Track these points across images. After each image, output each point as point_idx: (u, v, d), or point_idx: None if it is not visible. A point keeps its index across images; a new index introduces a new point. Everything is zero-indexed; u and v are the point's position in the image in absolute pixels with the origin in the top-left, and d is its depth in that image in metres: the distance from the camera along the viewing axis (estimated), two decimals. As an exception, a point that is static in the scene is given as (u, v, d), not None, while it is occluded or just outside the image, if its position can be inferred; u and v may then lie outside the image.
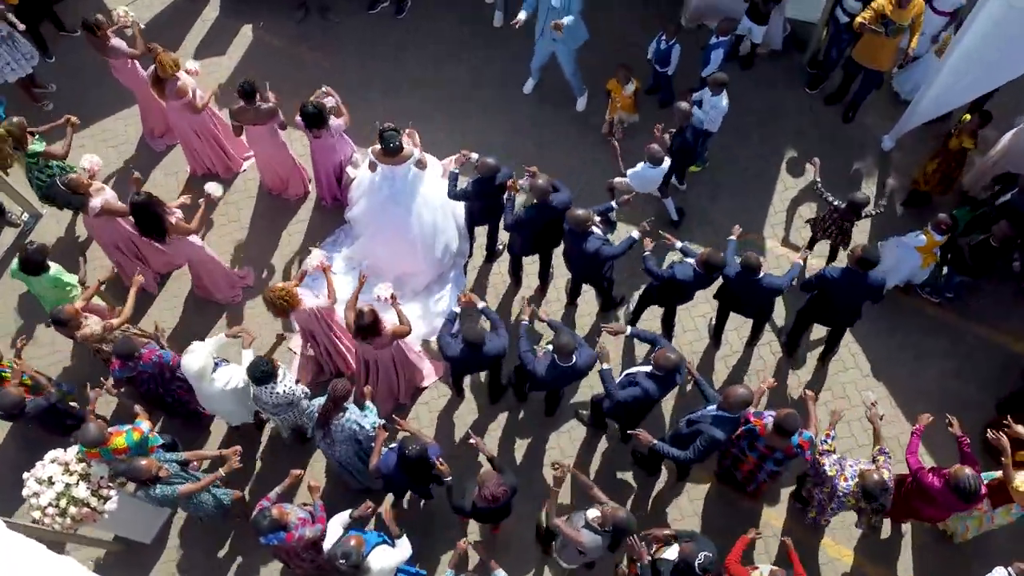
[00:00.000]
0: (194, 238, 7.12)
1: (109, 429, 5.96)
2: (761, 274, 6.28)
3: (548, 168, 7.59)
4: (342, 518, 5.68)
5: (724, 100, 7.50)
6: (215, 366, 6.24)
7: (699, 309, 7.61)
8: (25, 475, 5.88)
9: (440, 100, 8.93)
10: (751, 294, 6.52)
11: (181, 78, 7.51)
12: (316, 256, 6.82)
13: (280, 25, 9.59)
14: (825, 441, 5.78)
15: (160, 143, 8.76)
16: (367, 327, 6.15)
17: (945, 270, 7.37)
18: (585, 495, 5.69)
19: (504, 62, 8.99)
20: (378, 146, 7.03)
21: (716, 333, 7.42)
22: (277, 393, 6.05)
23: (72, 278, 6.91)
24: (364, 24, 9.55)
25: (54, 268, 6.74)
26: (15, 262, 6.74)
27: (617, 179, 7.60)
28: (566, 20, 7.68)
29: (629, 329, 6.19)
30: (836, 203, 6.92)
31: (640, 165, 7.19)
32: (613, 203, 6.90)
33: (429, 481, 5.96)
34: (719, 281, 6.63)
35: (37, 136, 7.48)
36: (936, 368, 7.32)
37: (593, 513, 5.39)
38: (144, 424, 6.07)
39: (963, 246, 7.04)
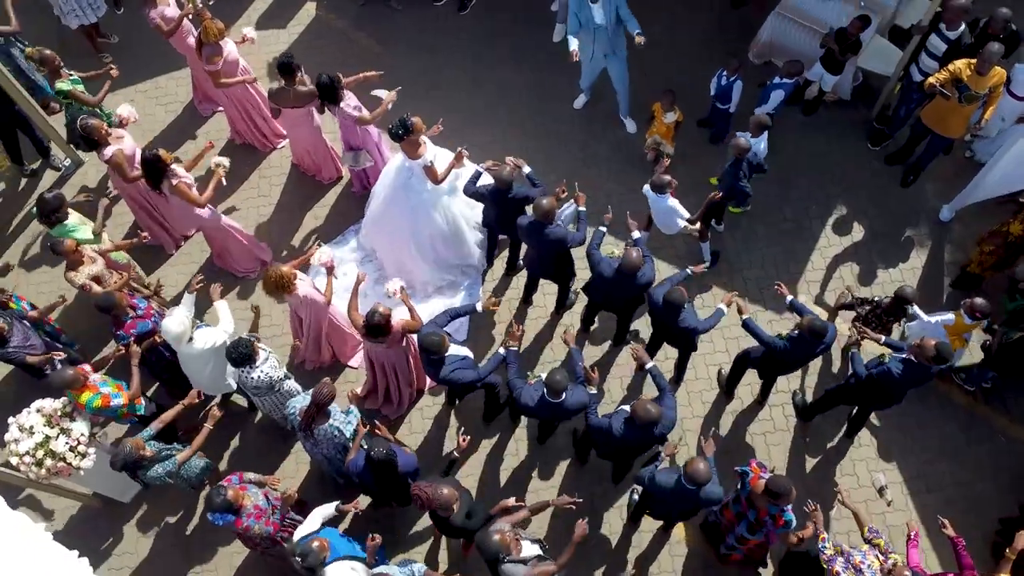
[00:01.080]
0: (207, 209, 7.09)
1: (92, 379, 6.02)
2: (682, 314, 6.04)
3: (585, 187, 7.38)
4: (326, 510, 5.56)
5: (763, 144, 7.18)
6: (196, 326, 6.21)
7: (715, 358, 7.31)
8: (10, 419, 5.95)
9: (488, 102, 8.78)
10: (674, 329, 6.24)
11: (224, 47, 7.51)
12: (325, 254, 6.70)
13: (343, 6, 9.56)
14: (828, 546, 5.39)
15: (207, 107, 8.81)
16: (376, 327, 6.03)
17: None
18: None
19: (561, 72, 8.75)
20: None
21: (729, 386, 7.10)
22: (254, 377, 5.99)
23: (87, 231, 6.93)
24: (425, 17, 9.44)
25: (72, 219, 6.79)
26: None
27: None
28: (638, 32, 7.41)
29: (650, 363, 5.94)
30: (879, 299, 6.52)
31: (645, 187, 6.95)
32: (603, 228, 6.62)
33: (397, 488, 5.81)
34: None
35: (73, 77, 7.53)
36: (956, 460, 6.85)
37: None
38: (117, 398, 6.07)
39: (996, 337, 6.56)
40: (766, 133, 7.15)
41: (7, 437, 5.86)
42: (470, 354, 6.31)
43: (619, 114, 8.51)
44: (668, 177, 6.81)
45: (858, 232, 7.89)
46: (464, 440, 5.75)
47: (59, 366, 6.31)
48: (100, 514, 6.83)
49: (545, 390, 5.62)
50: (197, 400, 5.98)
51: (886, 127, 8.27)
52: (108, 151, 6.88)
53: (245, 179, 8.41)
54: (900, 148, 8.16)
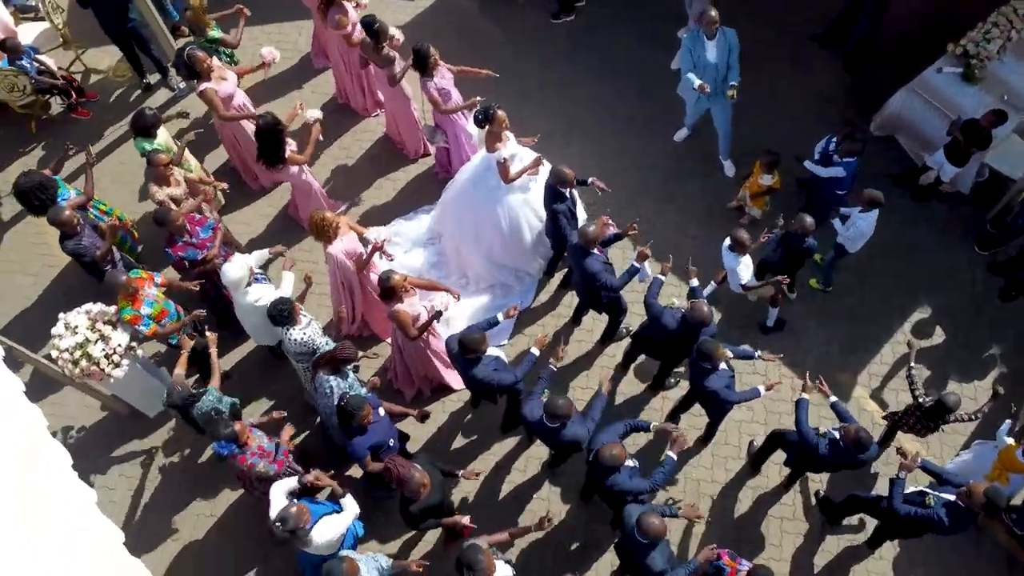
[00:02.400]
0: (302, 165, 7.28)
1: (144, 292, 6.30)
2: (709, 377, 5.81)
3: (662, 223, 7.20)
4: (287, 484, 5.61)
5: (871, 221, 6.74)
6: (255, 280, 6.36)
7: (751, 428, 6.99)
8: (61, 315, 6.28)
9: (584, 116, 8.65)
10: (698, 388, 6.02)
11: (348, 9, 7.63)
12: (382, 233, 6.76)
13: (473, -10, 9.60)
14: None
15: (321, 61, 9.02)
16: (384, 290, 6.10)
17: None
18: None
19: (666, 101, 8.54)
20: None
21: (757, 460, 6.78)
22: (292, 339, 6.08)
23: (168, 148, 7.17)
24: (547, 21, 9.36)
25: (161, 137, 7.06)
26: (133, 124, 7.15)
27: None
28: (733, 83, 7.23)
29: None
30: (922, 399, 6.05)
31: (726, 242, 6.66)
32: (661, 277, 6.39)
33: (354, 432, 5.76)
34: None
35: (215, 23, 7.84)
36: (982, 605, 6.33)
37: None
38: (146, 326, 6.30)
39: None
40: (876, 211, 6.67)
41: (53, 331, 6.19)
42: (504, 356, 6.27)
43: (719, 155, 8.22)
44: (746, 236, 6.50)
45: (938, 336, 7.36)
46: (475, 475, 5.85)
47: (119, 265, 6.63)
48: (123, 423, 7.14)
49: (544, 413, 5.50)
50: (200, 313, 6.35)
51: (1000, 232, 7.66)
52: (202, 85, 7.12)
53: (337, 139, 8.58)
54: (1010, 259, 7.55)
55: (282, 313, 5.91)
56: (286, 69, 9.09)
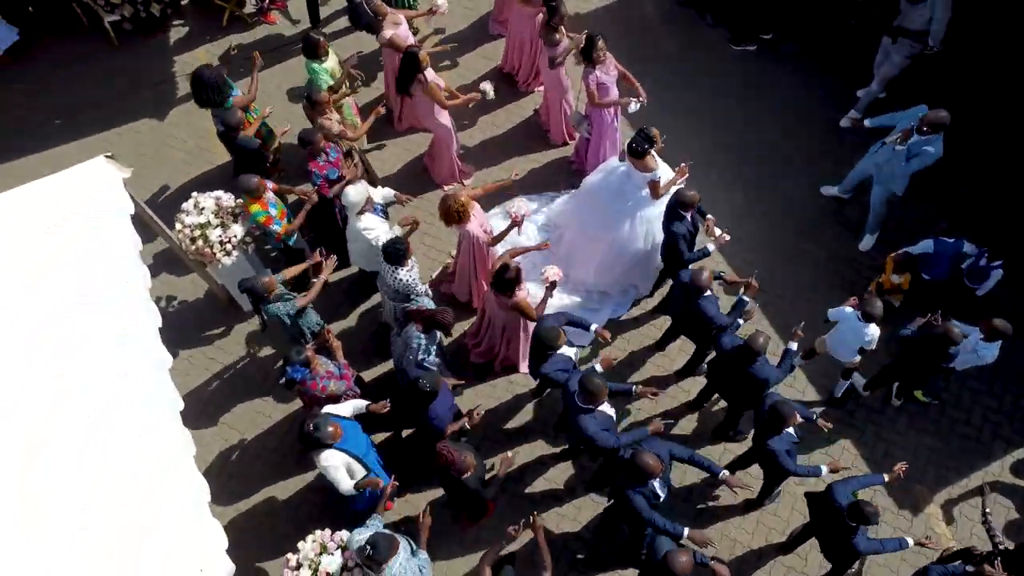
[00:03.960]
0: (445, 118, 7.48)
1: (267, 196, 6.65)
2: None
3: (779, 281, 6.90)
4: (358, 404, 5.87)
5: (994, 352, 6.22)
6: (373, 210, 6.62)
7: (803, 507, 6.67)
8: (194, 194, 6.77)
9: (729, 144, 8.48)
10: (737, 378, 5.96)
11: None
12: (519, 205, 6.82)
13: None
14: None
15: (496, 28, 9.20)
16: (504, 282, 6.17)
17: None
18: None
19: (822, 154, 8.21)
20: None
21: (791, 544, 6.46)
22: (398, 278, 6.30)
23: (330, 74, 7.46)
24: (721, 44, 9.18)
25: (330, 61, 7.40)
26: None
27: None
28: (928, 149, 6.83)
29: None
30: (1002, 545, 5.55)
31: (847, 309, 6.31)
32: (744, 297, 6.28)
33: (414, 419, 5.96)
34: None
35: None
36: None
37: None
38: (277, 225, 6.68)
39: None
40: (999, 342, 6.15)
41: (183, 205, 6.69)
42: (575, 358, 6.27)
43: (866, 229, 7.80)
44: (880, 305, 6.14)
45: (1031, 483, 6.77)
46: (477, 413, 5.80)
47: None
48: (219, 309, 7.62)
49: (577, 388, 5.48)
50: (319, 258, 6.50)
51: None
52: (384, 33, 7.41)
53: (491, 111, 8.73)
54: None
55: (397, 252, 6.15)
56: (463, 28, 9.33)
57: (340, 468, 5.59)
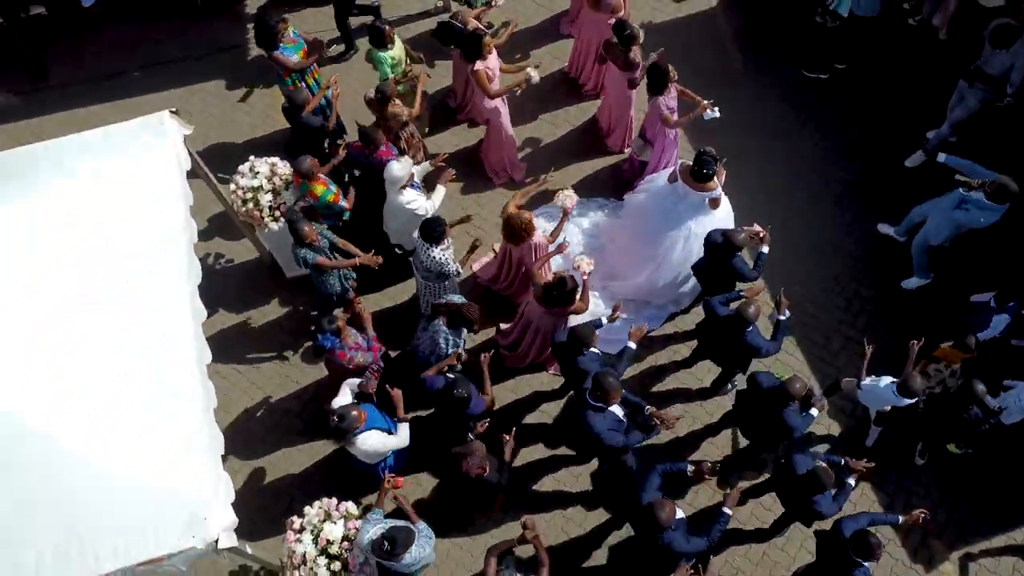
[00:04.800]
0: (501, 107, 7.54)
1: (321, 175, 6.81)
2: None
3: (812, 318, 6.70)
4: (351, 383, 6.01)
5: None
6: (412, 185, 6.72)
7: (812, 545, 6.55)
8: (252, 157, 6.97)
9: (782, 174, 8.33)
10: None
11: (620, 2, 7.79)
12: (570, 198, 6.88)
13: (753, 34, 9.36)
14: None
15: (567, 28, 9.21)
16: (555, 296, 6.22)
17: None
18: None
19: (887, 191, 8.05)
20: (689, 162, 6.80)
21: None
22: (431, 256, 6.40)
23: (399, 60, 7.59)
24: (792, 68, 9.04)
25: (396, 49, 7.51)
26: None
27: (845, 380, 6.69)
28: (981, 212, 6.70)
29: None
30: None
31: (885, 380, 6.16)
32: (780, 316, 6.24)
33: (450, 424, 6.03)
34: None
35: None
36: None
37: None
38: (344, 201, 6.87)
39: None
40: None
41: (240, 168, 6.90)
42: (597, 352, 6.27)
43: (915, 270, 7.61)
44: (921, 383, 5.97)
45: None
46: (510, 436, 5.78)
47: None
48: (262, 271, 7.84)
49: (590, 385, 5.50)
50: (375, 262, 6.64)
51: None
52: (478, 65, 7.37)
53: (548, 108, 8.77)
54: None
55: (435, 231, 6.27)
56: (536, 22, 9.37)
57: (380, 442, 5.72)
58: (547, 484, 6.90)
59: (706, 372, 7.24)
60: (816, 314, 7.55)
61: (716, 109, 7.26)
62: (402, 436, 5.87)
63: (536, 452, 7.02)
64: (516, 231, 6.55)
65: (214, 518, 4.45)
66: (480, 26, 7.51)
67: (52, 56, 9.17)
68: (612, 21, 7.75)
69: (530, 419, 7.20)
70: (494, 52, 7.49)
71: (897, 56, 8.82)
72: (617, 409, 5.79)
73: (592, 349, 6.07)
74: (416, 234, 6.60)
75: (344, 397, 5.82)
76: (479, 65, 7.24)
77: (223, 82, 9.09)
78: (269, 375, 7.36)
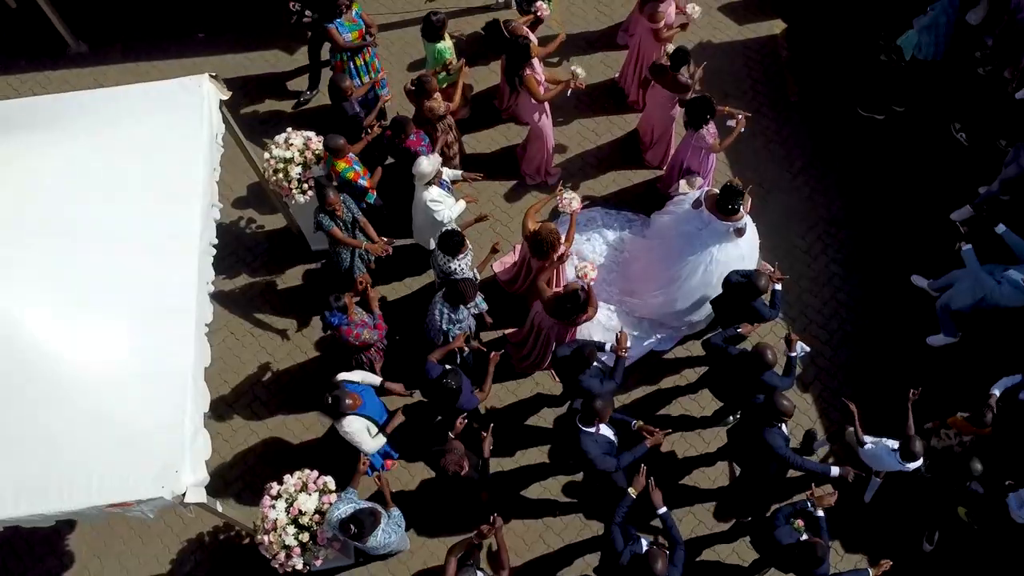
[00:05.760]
0: (543, 114, 7.55)
1: (351, 155, 6.91)
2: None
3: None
4: (370, 378, 6.12)
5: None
6: (440, 183, 6.78)
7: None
8: (290, 129, 7.13)
9: (830, 225, 8.11)
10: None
11: (667, 8, 7.69)
12: (575, 199, 6.80)
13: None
14: None
15: (624, 39, 9.14)
16: (564, 309, 6.21)
17: None
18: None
19: (927, 242, 7.80)
20: (716, 190, 6.72)
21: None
22: (448, 265, 6.47)
23: (448, 55, 7.63)
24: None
25: (445, 43, 7.55)
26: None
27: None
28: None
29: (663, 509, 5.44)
30: None
31: (886, 442, 5.98)
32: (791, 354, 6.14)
33: (442, 412, 6.08)
34: None
35: None
36: None
37: None
38: (364, 180, 6.96)
39: None
40: None
41: (276, 138, 7.05)
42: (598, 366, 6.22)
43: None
44: (922, 447, 5.82)
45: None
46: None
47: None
48: (290, 240, 7.99)
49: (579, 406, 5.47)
50: (386, 250, 6.79)
51: None
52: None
53: (593, 115, 8.74)
54: None
55: (453, 242, 6.31)
56: (592, 30, 9.32)
57: (362, 431, 5.83)
58: (535, 491, 6.91)
59: (709, 400, 7.11)
60: (834, 356, 7.39)
61: (736, 118, 7.26)
62: (375, 444, 5.93)
63: (529, 456, 7.02)
64: (544, 245, 6.48)
65: (186, 472, 4.57)
66: (528, 34, 7.48)
67: (124, 13, 9.44)
68: (668, 35, 7.79)
69: (530, 421, 7.22)
70: (538, 60, 7.48)
71: (959, 104, 8.49)
72: (608, 431, 5.77)
73: (597, 366, 6.06)
74: (433, 243, 6.69)
75: (353, 375, 5.95)
76: (527, 71, 7.25)
77: (283, 54, 9.19)
78: (280, 343, 7.53)
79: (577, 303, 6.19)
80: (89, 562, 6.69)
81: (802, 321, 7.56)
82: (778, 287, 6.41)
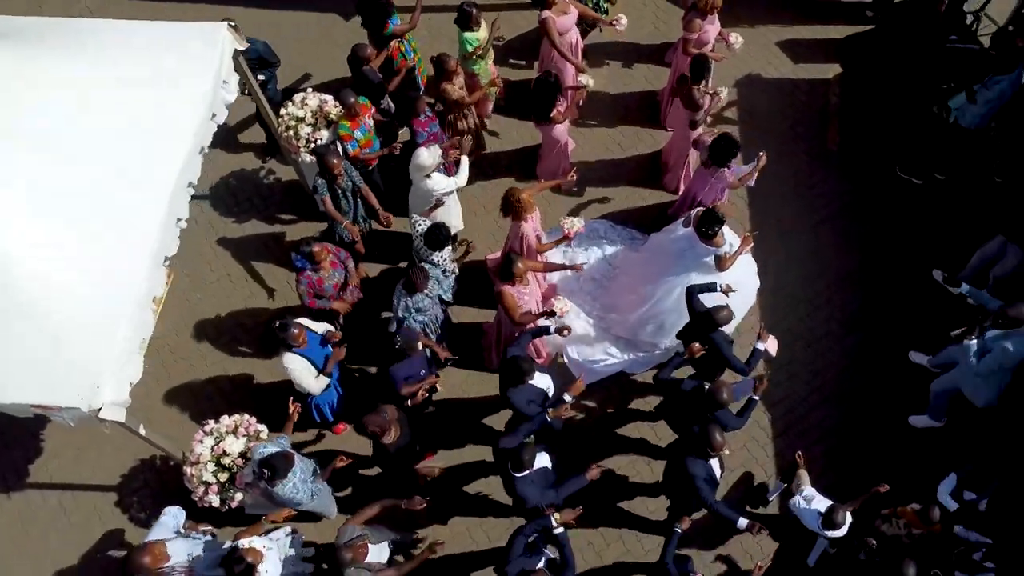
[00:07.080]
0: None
1: (365, 118, 7.11)
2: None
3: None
4: (324, 327, 6.32)
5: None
6: (440, 169, 6.87)
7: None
8: (309, 88, 7.39)
9: (840, 280, 7.82)
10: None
11: (708, 24, 7.55)
12: (576, 224, 6.80)
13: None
14: None
15: (670, 56, 8.97)
16: (504, 270, 6.27)
17: None
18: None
19: (933, 316, 7.45)
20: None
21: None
22: (432, 260, 6.62)
23: (479, 45, 7.67)
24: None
25: (475, 33, 7.59)
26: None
27: None
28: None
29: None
30: None
31: (817, 503, 5.78)
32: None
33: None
34: None
35: None
36: None
37: None
38: (354, 144, 7.13)
39: None
40: None
41: (294, 96, 7.30)
42: (550, 391, 6.14)
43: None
44: (846, 521, 5.68)
45: None
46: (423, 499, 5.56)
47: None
48: (302, 197, 8.18)
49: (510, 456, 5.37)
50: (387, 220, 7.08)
51: None
52: (544, 13, 7.46)
53: (624, 125, 8.66)
54: None
55: (439, 237, 6.43)
56: (644, 43, 9.18)
57: (305, 372, 6.01)
58: (477, 486, 6.96)
59: (666, 430, 6.96)
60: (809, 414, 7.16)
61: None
62: (318, 385, 6.11)
63: (482, 453, 7.04)
64: (508, 202, 6.56)
65: (107, 390, 4.81)
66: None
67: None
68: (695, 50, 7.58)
69: (488, 420, 7.26)
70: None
71: (1004, 179, 8.00)
72: (545, 459, 5.68)
73: (532, 382, 5.83)
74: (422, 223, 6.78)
75: (318, 328, 6.18)
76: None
77: (318, 15, 9.26)
78: (256, 290, 7.81)
79: (507, 263, 6.17)
80: (49, 461, 7.12)
81: (787, 371, 7.32)
82: (760, 346, 6.18)
